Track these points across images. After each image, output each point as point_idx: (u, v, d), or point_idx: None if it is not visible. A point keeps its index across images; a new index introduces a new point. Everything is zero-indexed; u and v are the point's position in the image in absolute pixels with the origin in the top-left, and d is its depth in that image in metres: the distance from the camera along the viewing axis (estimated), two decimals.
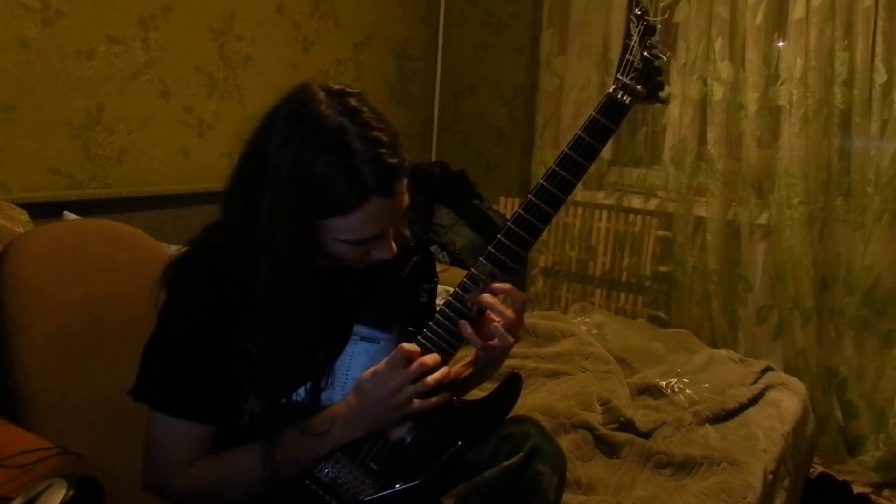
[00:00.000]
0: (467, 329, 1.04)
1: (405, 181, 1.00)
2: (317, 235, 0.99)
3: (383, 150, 0.96)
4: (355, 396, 1.02)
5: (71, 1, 2.06)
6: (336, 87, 1.00)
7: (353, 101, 0.98)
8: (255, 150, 1.00)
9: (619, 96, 1.02)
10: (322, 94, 0.98)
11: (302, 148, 0.94)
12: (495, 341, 1.05)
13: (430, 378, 1.01)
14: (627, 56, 1.03)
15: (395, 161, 0.97)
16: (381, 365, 1.01)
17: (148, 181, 2.34)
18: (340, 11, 3.01)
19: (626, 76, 1.02)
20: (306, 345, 1.03)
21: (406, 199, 1.01)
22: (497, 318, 1.04)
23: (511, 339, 1.05)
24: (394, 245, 1.04)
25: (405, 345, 1.02)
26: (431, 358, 1.03)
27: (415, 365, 1.01)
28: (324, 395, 1.06)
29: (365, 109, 0.98)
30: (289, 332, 0.99)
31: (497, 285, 1.05)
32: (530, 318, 2.36)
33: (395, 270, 1.12)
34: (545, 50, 3.21)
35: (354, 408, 1.02)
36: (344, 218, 0.96)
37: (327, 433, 1.02)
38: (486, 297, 1.04)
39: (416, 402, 1.01)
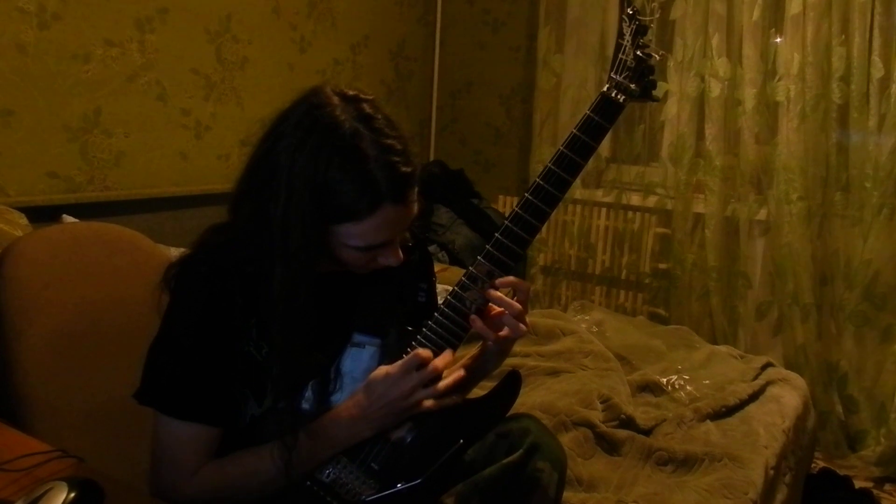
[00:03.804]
0: (478, 323, 1.04)
1: (416, 189, 1.00)
2: (326, 240, 0.99)
3: (397, 158, 0.96)
4: (366, 397, 1.02)
5: (67, 4, 2.06)
6: (351, 92, 0.99)
7: (367, 107, 0.97)
8: (266, 152, 0.99)
9: (613, 95, 1.03)
10: (336, 99, 0.97)
11: (317, 153, 0.93)
12: (506, 331, 1.05)
13: (443, 384, 1.02)
14: (620, 55, 1.03)
15: (408, 169, 0.97)
16: (394, 367, 1.01)
17: (146, 184, 2.34)
18: (337, 12, 3.01)
19: (620, 75, 1.03)
20: (309, 346, 1.02)
21: (416, 207, 1.01)
22: (506, 310, 1.04)
23: (523, 328, 1.05)
24: (400, 253, 1.04)
25: (420, 350, 1.02)
26: (443, 361, 1.03)
27: (429, 368, 1.01)
28: (332, 397, 1.06)
29: (379, 116, 0.98)
30: (298, 334, 0.99)
31: (501, 279, 1.05)
32: (530, 317, 2.35)
33: (393, 270, 1.12)
34: (542, 48, 3.21)
35: (364, 408, 1.01)
36: (355, 224, 0.96)
37: (335, 433, 1.01)
38: (491, 291, 1.05)
39: (426, 403, 1.02)
